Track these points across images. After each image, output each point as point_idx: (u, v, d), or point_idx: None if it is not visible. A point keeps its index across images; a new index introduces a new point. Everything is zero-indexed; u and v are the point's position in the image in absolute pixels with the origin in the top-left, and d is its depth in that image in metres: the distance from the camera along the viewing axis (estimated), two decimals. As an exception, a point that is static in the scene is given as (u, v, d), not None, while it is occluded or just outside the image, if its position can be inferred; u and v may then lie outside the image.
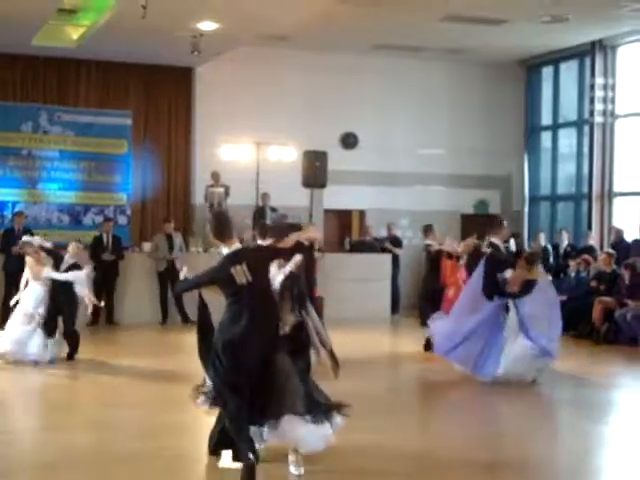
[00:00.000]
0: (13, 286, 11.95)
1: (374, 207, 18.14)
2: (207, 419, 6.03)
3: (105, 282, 14.01)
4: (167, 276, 14.16)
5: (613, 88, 17.23)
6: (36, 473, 5.70)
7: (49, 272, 10.24)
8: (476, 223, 17.80)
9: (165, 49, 15.56)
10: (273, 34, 15.65)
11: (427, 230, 13.08)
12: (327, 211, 17.99)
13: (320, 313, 15.07)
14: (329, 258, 15.67)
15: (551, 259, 16.24)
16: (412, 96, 18.46)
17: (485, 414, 8.06)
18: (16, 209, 15.50)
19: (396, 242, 16.99)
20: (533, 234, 18.44)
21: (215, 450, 5.93)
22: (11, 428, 7.13)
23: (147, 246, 15.00)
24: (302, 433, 5.41)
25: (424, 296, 12.66)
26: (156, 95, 17.29)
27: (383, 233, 17.40)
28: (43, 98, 16.51)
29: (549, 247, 16.49)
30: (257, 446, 5.46)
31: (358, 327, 13.93)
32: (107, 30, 13.57)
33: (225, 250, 5.65)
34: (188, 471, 5.82)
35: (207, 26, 13.89)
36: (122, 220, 16.34)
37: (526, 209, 19.29)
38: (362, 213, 18.44)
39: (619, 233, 15.58)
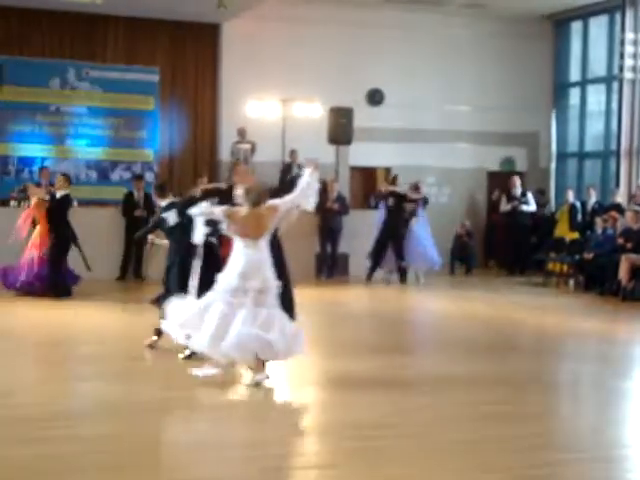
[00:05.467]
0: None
1: (400, 164, 18.12)
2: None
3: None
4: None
5: (643, 44, 17.00)
6: (71, 422, 5.86)
7: None
8: (502, 180, 17.81)
9: (192, 5, 15.54)
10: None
11: None
12: (352, 168, 18.01)
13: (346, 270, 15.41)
14: (355, 215, 15.78)
15: (579, 216, 16.22)
16: (437, 52, 18.33)
17: (503, 367, 8.12)
18: (45, 165, 15.67)
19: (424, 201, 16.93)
20: (560, 191, 18.42)
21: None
22: (45, 377, 7.31)
23: (174, 202, 15.09)
24: None
25: None
26: (183, 51, 17.29)
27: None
28: (71, 54, 16.56)
29: (577, 204, 16.45)
30: None
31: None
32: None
33: None
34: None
35: (233, -19, 13.85)
36: (149, 176, 16.46)
37: (553, 166, 19.19)
38: (388, 170, 18.42)
39: (647, 190, 15.50)
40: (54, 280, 11.75)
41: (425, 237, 14.99)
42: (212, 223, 7.07)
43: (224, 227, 6.87)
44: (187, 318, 6.73)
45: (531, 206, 16.95)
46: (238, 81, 17.14)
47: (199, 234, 7.17)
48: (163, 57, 17.12)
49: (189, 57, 17.37)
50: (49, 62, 16.23)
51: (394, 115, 18.04)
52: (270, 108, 16.95)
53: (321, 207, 15.22)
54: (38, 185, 13.63)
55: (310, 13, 17.20)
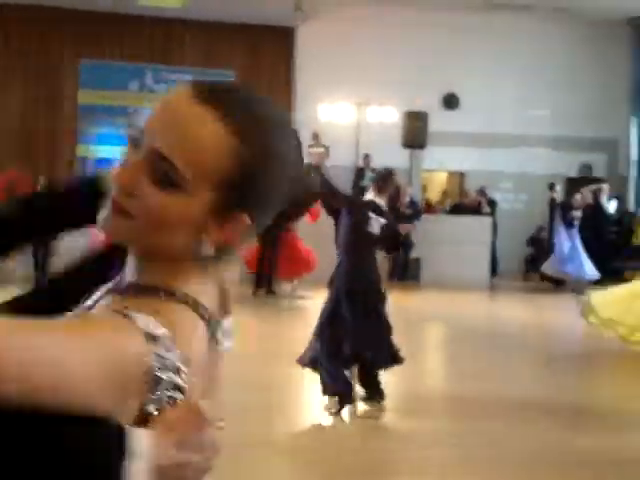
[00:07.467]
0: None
1: (475, 169, 17.91)
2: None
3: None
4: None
5: None
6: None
7: None
8: (581, 187, 17.42)
9: (268, 9, 15.63)
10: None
11: None
12: (426, 172, 17.86)
13: (417, 275, 15.25)
14: (427, 220, 15.63)
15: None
16: (515, 56, 18.05)
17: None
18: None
19: (491, 205, 16.73)
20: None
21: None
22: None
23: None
24: None
25: None
26: (258, 55, 17.40)
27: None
28: (149, 57, 16.81)
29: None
30: None
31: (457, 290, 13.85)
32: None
33: None
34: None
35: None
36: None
37: (633, 173, 18.73)
38: (462, 175, 18.23)
39: None
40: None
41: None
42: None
43: None
44: None
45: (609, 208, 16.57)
46: (312, 85, 17.16)
47: None
48: (239, 60, 17.25)
49: (264, 60, 17.47)
50: (127, 65, 16.51)
51: (470, 119, 17.83)
52: (344, 112, 16.94)
53: (393, 211, 15.17)
54: None
55: (383, 17, 17.11)
